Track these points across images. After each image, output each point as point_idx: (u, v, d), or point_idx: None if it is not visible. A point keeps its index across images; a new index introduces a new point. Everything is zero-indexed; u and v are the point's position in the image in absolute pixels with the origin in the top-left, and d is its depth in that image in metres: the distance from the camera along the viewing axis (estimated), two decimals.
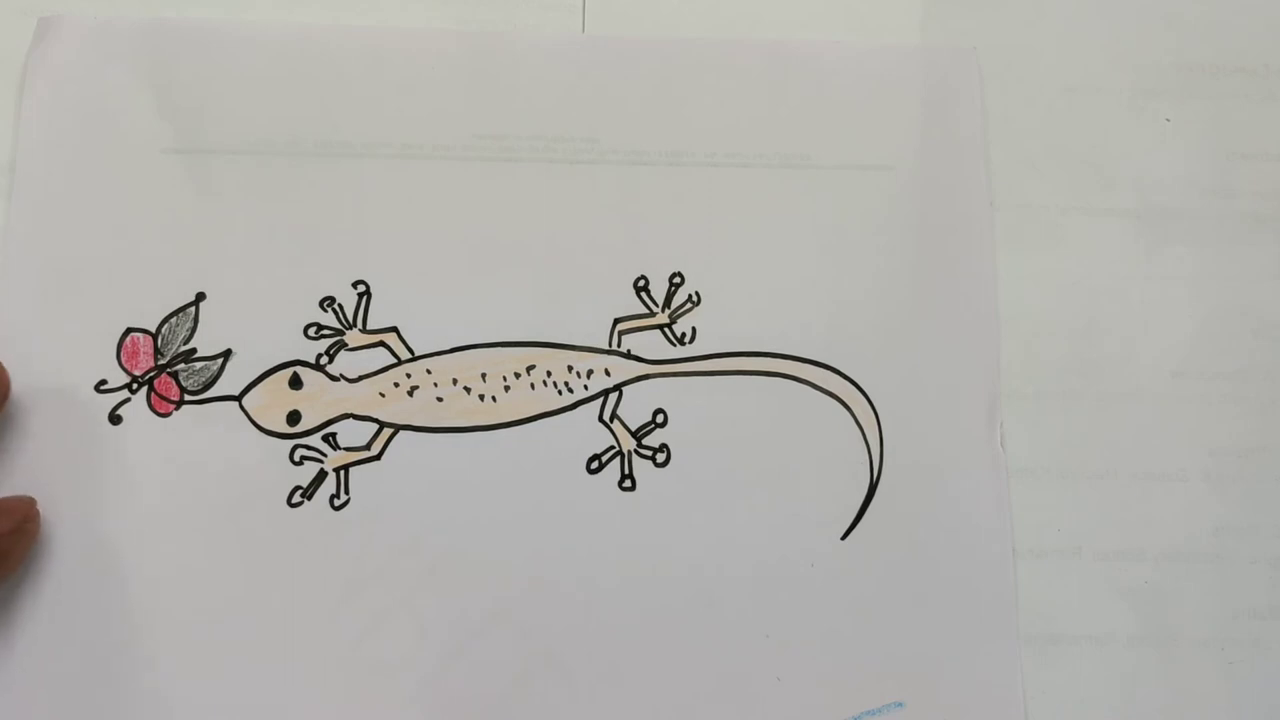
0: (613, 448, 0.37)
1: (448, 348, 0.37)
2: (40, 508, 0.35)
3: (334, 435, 0.36)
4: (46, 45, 0.38)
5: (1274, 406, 0.39)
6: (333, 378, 0.37)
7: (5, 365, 0.35)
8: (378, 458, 0.36)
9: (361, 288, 0.37)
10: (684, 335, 0.38)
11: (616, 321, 0.38)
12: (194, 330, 0.37)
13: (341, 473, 0.36)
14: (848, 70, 0.40)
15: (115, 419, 0.36)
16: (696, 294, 0.38)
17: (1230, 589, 0.37)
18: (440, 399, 0.37)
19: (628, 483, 0.37)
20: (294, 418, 0.36)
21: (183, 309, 0.37)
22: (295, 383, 0.36)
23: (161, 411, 0.36)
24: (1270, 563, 0.38)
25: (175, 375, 0.36)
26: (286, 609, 0.35)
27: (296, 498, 0.36)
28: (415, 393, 0.37)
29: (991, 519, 0.37)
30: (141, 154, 0.38)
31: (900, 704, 0.36)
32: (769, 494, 0.37)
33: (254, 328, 0.37)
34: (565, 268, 0.38)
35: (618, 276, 0.38)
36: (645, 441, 0.37)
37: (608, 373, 0.37)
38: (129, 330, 0.37)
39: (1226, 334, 0.39)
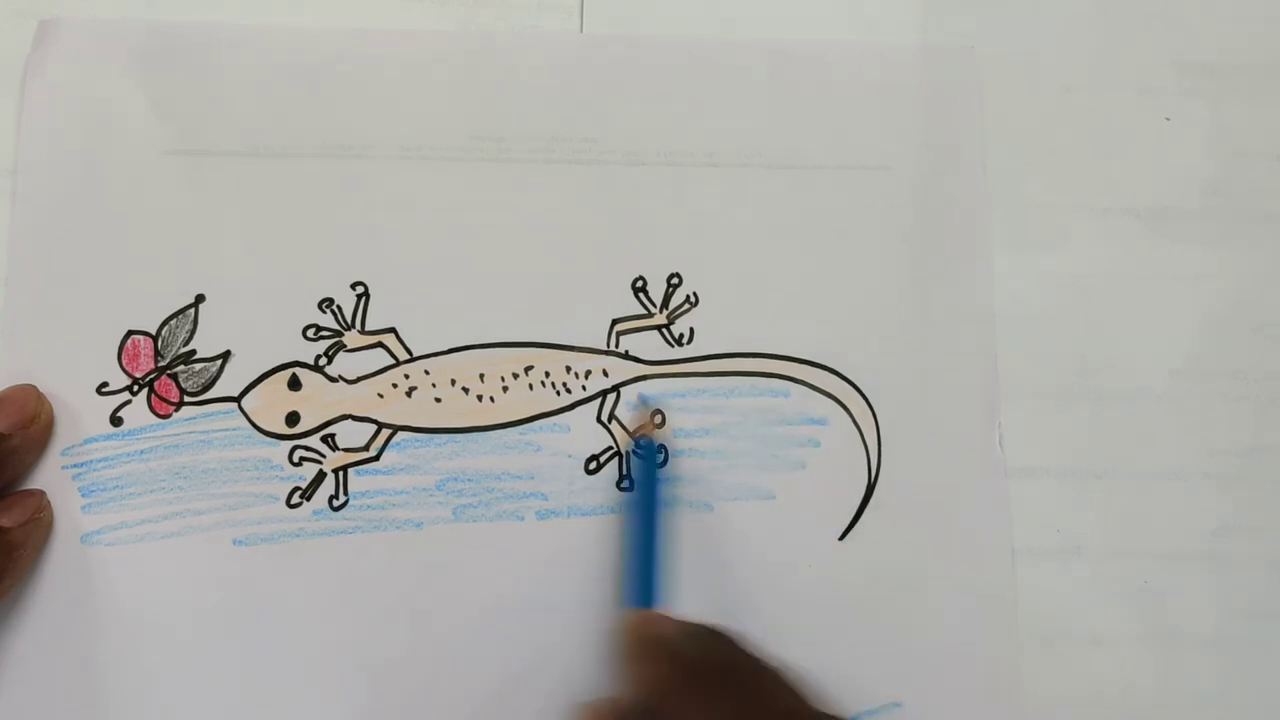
0: (611, 448, 0.37)
1: (446, 349, 0.37)
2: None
3: (333, 436, 0.36)
4: (47, 47, 0.38)
5: (1274, 406, 0.39)
6: (331, 379, 0.37)
7: (9, 367, 0.36)
8: (376, 458, 0.36)
9: (360, 289, 0.37)
10: (682, 336, 0.38)
11: (614, 322, 0.38)
12: (193, 332, 0.37)
13: (340, 473, 0.36)
14: (847, 70, 0.40)
15: (116, 420, 0.36)
16: (694, 295, 0.38)
17: (1230, 589, 0.37)
18: (438, 400, 0.37)
19: (626, 483, 0.37)
20: (293, 419, 0.36)
21: (182, 311, 0.37)
22: (294, 384, 0.37)
23: (161, 413, 0.36)
24: (1270, 563, 0.38)
25: (175, 377, 0.36)
26: (285, 609, 0.35)
27: (295, 498, 0.36)
28: (414, 394, 0.37)
29: (990, 519, 0.37)
30: (141, 156, 0.38)
31: (898, 704, 0.36)
32: (766, 494, 0.37)
33: (253, 329, 0.37)
34: (563, 268, 0.38)
35: (616, 277, 0.38)
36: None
37: (606, 373, 0.37)
38: (130, 332, 0.37)
39: (1226, 333, 0.39)
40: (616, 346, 0.38)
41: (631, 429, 0.37)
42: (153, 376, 0.36)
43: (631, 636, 0.32)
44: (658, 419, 0.37)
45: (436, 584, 0.36)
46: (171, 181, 0.38)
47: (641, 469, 0.36)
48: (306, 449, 0.36)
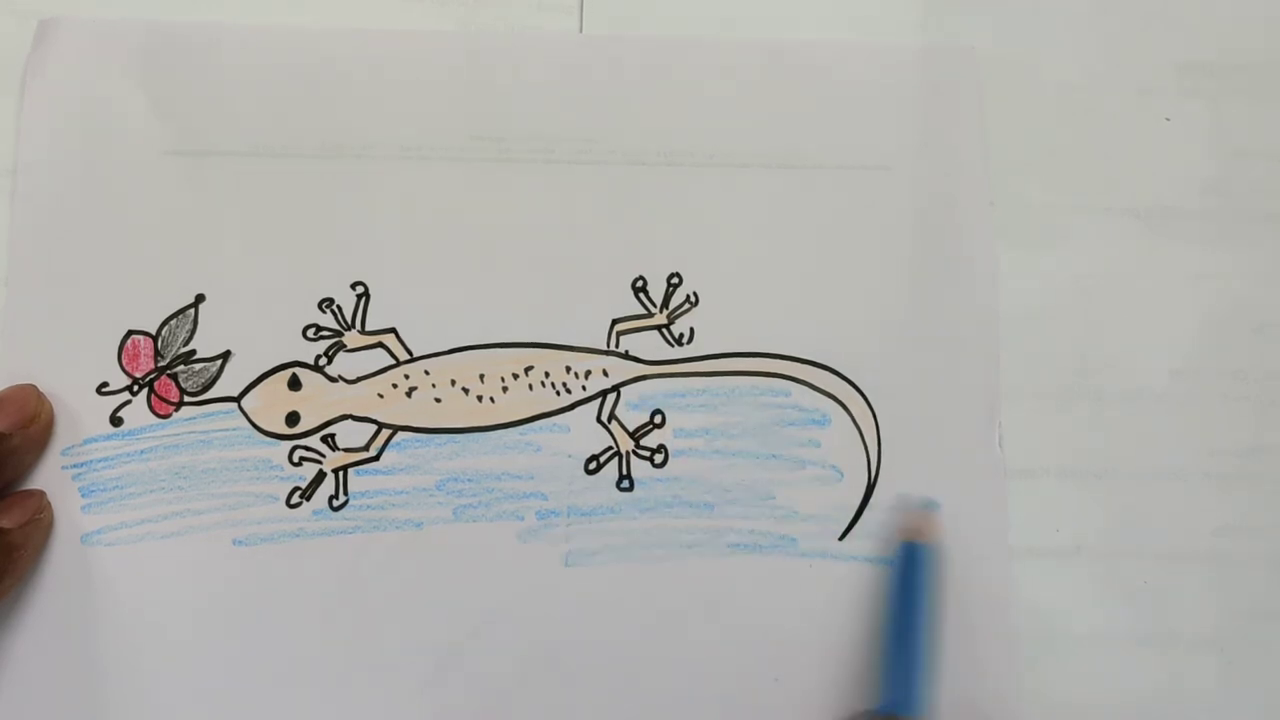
0: (611, 448, 0.37)
1: (446, 349, 0.37)
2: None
3: (333, 436, 0.36)
4: (47, 47, 0.38)
5: (1274, 406, 0.39)
6: (331, 379, 0.37)
7: (9, 367, 0.36)
8: (376, 458, 0.36)
9: (360, 289, 0.37)
10: (682, 336, 0.38)
11: (614, 322, 0.38)
12: (193, 332, 0.37)
13: (340, 473, 0.36)
14: (847, 70, 0.40)
15: (116, 420, 0.36)
16: (694, 294, 0.38)
17: (1230, 589, 0.37)
18: (438, 400, 0.37)
19: (626, 483, 0.37)
20: (293, 419, 0.36)
21: (182, 311, 0.37)
22: (294, 384, 0.37)
23: (161, 413, 0.36)
24: (1270, 563, 0.38)
25: (175, 377, 0.36)
26: (285, 609, 0.35)
27: (295, 498, 0.36)
28: (414, 394, 0.37)
29: (990, 519, 0.37)
30: (141, 156, 0.38)
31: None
32: (766, 494, 0.37)
33: (253, 329, 0.37)
34: (563, 269, 0.38)
35: (616, 277, 0.38)
36: (643, 442, 0.37)
37: (606, 373, 0.37)
38: (130, 332, 0.37)
39: (1226, 333, 0.39)
40: (616, 346, 0.38)
41: (902, 530, 0.36)
42: (153, 376, 0.36)
43: None
44: (925, 516, 0.36)
45: (436, 584, 0.36)
46: (171, 181, 0.38)
47: (908, 574, 0.36)
48: (306, 449, 0.36)
